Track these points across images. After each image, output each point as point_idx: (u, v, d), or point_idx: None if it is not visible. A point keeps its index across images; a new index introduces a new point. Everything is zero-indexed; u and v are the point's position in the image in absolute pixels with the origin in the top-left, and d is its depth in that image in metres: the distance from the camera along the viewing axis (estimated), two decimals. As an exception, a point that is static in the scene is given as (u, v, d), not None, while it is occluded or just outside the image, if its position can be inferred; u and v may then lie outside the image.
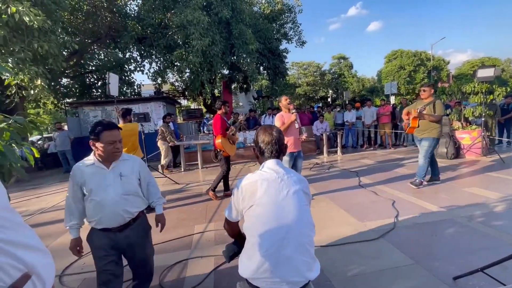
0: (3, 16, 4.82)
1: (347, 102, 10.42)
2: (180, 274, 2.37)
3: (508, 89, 6.24)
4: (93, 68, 11.13)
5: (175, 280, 2.30)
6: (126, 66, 10.35)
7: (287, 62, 13.70)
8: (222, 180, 4.41)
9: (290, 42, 14.83)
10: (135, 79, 10.74)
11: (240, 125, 4.85)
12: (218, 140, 4.16)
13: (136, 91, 10.87)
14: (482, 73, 5.63)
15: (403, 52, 29.58)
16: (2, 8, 4.80)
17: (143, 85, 11.07)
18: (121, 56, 10.51)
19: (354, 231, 2.91)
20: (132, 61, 10.53)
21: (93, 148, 1.61)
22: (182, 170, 7.11)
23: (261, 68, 13.17)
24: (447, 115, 6.46)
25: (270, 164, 1.36)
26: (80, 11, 9.62)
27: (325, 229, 3.01)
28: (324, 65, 31.72)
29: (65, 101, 11.58)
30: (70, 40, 6.60)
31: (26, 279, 0.68)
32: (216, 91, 14.41)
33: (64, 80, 11.07)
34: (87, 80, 11.65)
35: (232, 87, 13.17)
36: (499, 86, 6.04)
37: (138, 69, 10.61)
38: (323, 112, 10.34)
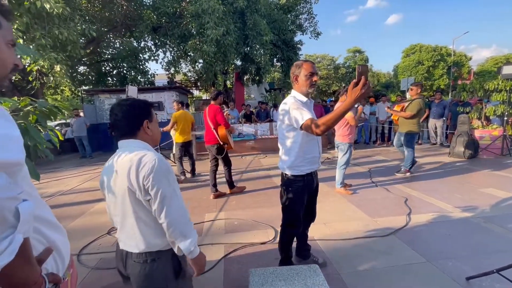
0: (26, 2, 4.94)
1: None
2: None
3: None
4: (109, 56, 11.29)
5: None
6: (140, 55, 10.45)
7: (301, 54, 13.47)
8: (213, 175, 4.15)
9: (304, 33, 14.54)
10: (149, 68, 10.86)
11: (228, 118, 4.63)
12: (223, 131, 3.89)
13: (150, 80, 10.99)
14: (508, 69, 5.36)
15: (422, 46, 28.43)
16: (24, -6, 4.93)
17: (157, 74, 11.18)
18: (136, 45, 10.60)
19: (365, 226, 2.90)
20: (146, 50, 10.62)
21: (145, 131, 1.10)
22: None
23: (275, 59, 13.01)
24: (467, 113, 6.21)
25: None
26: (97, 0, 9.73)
27: (335, 222, 3.01)
28: (338, 59, 31.01)
29: (81, 88, 11.87)
30: (88, 28, 6.70)
31: (49, 253, 0.71)
32: (228, 82, 14.40)
33: (81, 68, 11.32)
34: (103, 68, 11.86)
35: (244, 78, 13.11)
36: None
37: (153, 58, 10.69)
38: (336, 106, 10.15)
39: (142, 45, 10.62)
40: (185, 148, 5.28)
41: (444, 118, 7.53)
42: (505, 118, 5.54)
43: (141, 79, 10.78)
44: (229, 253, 2.48)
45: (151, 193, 0.98)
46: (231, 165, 4.22)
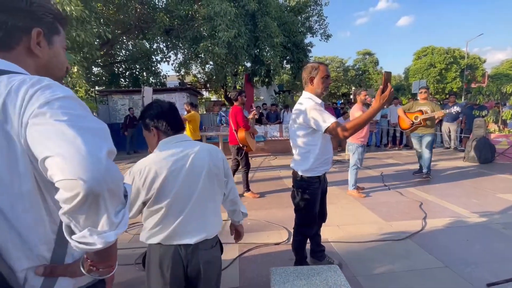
0: (47, 6, 5.13)
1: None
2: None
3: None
4: (122, 58, 11.54)
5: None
6: (153, 56, 10.64)
7: (311, 56, 13.44)
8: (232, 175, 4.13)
9: (314, 35, 14.50)
10: (161, 70, 11.06)
11: (255, 117, 4.53)
12: (242, 134, 3.79)
13: (161, 81, 11.18)
14: (527, 72, 5.21)
15: (435, 49, 27.90)
16: (46, -2, 5.11)
17: (168, 75, 11.36)
18: (149, 47, 10.81)
19: (380, 230, 2.87)
20: (158, 52, 10.81)
21: (154, 137, 1.16)
22: (204, 160, 7.29)
23: (284, 61, 13.02)
24: (482, 116, 6.08)
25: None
26: (112, 3, 9.97)
27: (349, 226, 2.99)
28: (348, 61, 30.78)
29: (95, 89, 12.17)
30: (104, 30, 6.88)
31: None
32: (238, 84, 14.48)
33: (95, 69, 11.60)
34: (116, 69, 12.13)
35: (254, 80, 13.16)
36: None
37: (164, 59, 10.88)
38: (347, 108, 10.08)
39: (154, 47, 10.83)
40: None
41: (458, 122, 7.38)
42: (524, 122, 5.39)
43: (153, 80, 10.98)
44: (244, 253, 2.50)
45: (228, 173, 1.24)
46: (249, 168, 4.18)
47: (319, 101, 1.84)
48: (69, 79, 6.01)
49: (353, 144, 4.03)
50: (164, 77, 11.14)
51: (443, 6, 76.42)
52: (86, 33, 6.22)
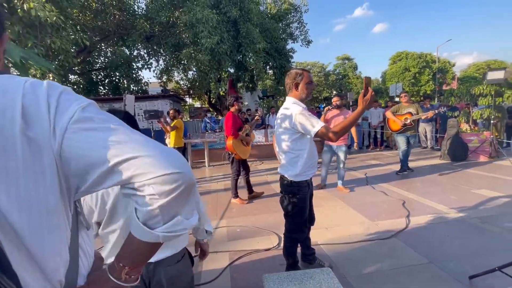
0: (19, 11, 4.89)
1: (351, 103, 10.41)
2: (197, 269, 2.40)
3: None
4: (101, 65, 11.21)
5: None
6: (133, 63, 10.41)
7: (293, 62, 13.71)
8: (239, 183, 4.12)
9: (296, 41, 14.84)
10: (143, 77, 10.82)
11: (257, 122, 4.52)
12: (229, 142, 3.78)
13: (143, 88, 10.94)
14: (492, 75, 5.61)
15: (408, 53, 29.40)
16: (18, 4, 4.87)
17: (150, 82, 11.14)
18: (129, 53, 10.58)
19: (367, 230, 2.94)
20: (139, 58, 10.60)
21: None
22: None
23: (267, 67, 13.19)
24: (455, 117, 6.45)
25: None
26: (89, 9, 9.69)
27: (337, 227, 3.04)
28: (328, 66, 31.69)
29: (72, 97, 11.66)
30: (81, 37, 6.66)
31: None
32: (221, 90, 14.45)
33: (72, 77, 11.17)
34: (94, 77, 11.74)
35: (238, 86, 13.20)
36: (509, 89, 6.01)
37: (146, 66, 10.68)
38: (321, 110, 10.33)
39: (135, 53, 10.61)
40: (182, 153, 5.37)
41: (433, 122, 7.78)
42: (492, 122, 5.77)
43: (134, 88, 10.72)
44: (235, 261, 2.46)
45: None
46: (238, 176, 4.14)
47: (304, 106, 1.88)
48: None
49: (339, 146, 4.27)
50: (145, 84, 10.90)
51: (414, 13, 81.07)
52: (61, 40, 5.99)
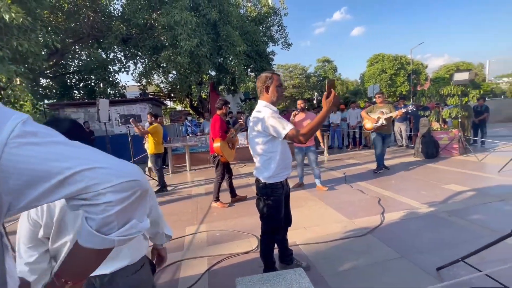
0: (-20, 13, 4.59)
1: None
2: (174, 276, 2.36)
3: (481, 92, 6.66)
4: (75, 68, 10.75)
5: (168, 282, 2.29)
6: (110, 66, 10.08)
7: (274, 65, 13.86)
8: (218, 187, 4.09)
9: (276, 44, 15.03)
10: (120, 80, 10.47)
11: (242, 127, 4.56)
12: (217, 144, 3.76)
13: (121, 92, 10.60)
14: (458, 76, 5.98)
15: (384, 56, 30.63)
16: (-21, 5, 4.58)
17: (128, 86, 10.81)
18: (105, 56, 10.22)
19: (344, 228, 3.01)
20: (116, 61, 10.27)
21: None
22: (170, 172, 7.02)
23: (249, 70, 13.24)
24: (426, 116, 6.79)
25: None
26: (61, 10, 9.28)
27: (316, 227, 3.09)
28: (309, 68, 32.32)
29: (44, 102, 11.10)
30: (52, 39, 6.35)
31: None
32: (203, 93, 14.31)
33: (43, 81, 10.62)
34: (68, 81, 11.23)
35: (219, 88, 13.14)
36: (473, 89, 6.42)
37: (123, 69, 10.36)
38: (316, 113, 10.53)
39: (111, 56, 10.26)
40: (161, 157, 5.25)
41: (407, 122, 8.15)
42: (459, 120, 6.13)
43: (111, 92, 10.35)
44: (213, 266, 2.44)
45: (149, 193, 1.11)
46: (223, 179, 4.12)
47: (275, 109, 1.91)
48: (10, 92, 5.41)
49: (308, 147, 4.48)
50: (123, 87, 10.57)
51: (390, 17, 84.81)
52: (30, 42, 5.68)
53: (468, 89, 6.43)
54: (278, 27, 15.05)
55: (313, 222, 3.24)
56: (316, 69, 32.58)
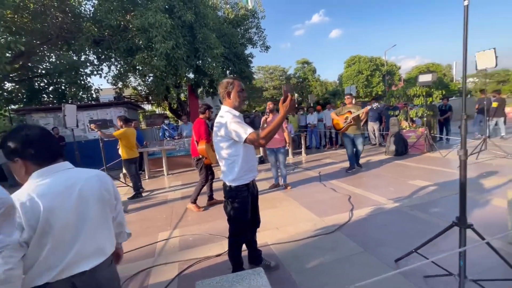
0: None
1: (311, 105, 10.94)
2: (143, 283, 2.33)
3: (444, 92, 7.12)
4: (43, 71, 10.23)
5: (137, 290, 2.26)
6: (81, 69, 9.68)
7: (252, 67, 13.96)
8: (201, 189, 4.13)
9: (255, 46, 15.16)
10: (92, 84, 10.08)
11: None
12: (202, 146, 3.87)
13: (94, 96, 10.21)
14: (423, 78, 6.36)
15: (361, 58, 31.78)
16: None
17: (101, 89, 10.43)
18: (76, 59, 9.81)
19: (314, 226, 3.11)
20: (88, 64, 9.89)
21: (21, 169, 1.07)
22: (147, 177, 6.86)
23: (227, 72, 13.23)
24: (396, 116, 7.15)
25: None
26: (26, 10, 8.80)
27: (288, 226, 3.17)
28: (289, 69, 32.81)
29: (9, 107, 10.45)
30: (14, 41, 6.02)
31: None
32: (182, 95, 14.12)
33: (8, 85, 10.00)
34: (36, 84, 10.65)
35: (198, 91, 13.03)
36: (437, 90, 6.86)
37: (96, 72, 9.99)
38: (304, 113, 10.70)
39: (82, 59, 9.86)
40: (136, 163, 5.12)
41: (379, 121, 8.53)
42: (424, 119, 6.52)
43: (83, 95, 9.94)
44: (183, 270, 2.43)
45: (117, 196, 1.26)
46: (206, 182, 4.16)
47: (237, 113, 1.96)
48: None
49: (278, 148, 4.66)
50: (96, 91, 10.19)
51: (365, 20, 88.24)
52: (-11, 44, 5.36)
53: (432, 90, 6.85)
54: (256, 29, 15.19)
55: (286, 222, 3.31)
56: (296, 70, 33.14)
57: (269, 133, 1.74)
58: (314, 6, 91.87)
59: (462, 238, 1.67)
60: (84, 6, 9.72)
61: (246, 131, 1.79)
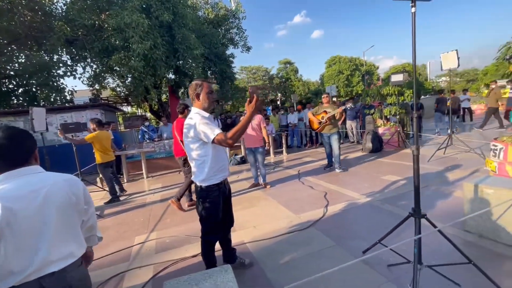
0: None
1: (295, 104, 11.12)
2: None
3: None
4: (11, 72, 9.69)
5: (110, 295, 2.23)
6: (53, 70, 9.27)
7: (234, 67, 13.97)
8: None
9: (236, 47, 15.17)
10: (66, 85, 9.67)
11: None
12: None
13: (68, 98, 9.80)
14: (395, 78, 6.66)
15: (341, 58, 32.61)
16: None
17: (75, 91, 10.02)
18: (48, 59, 9.38)
19: (290, 223, 3.20)
20: (61, 65, 9.48)
21: (36, 158, 1.20)
22: (125, 181, 6.70)
23: (209, 72, 13.16)
24: (371, 114, 7.44)
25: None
26: (-10, 8, 8.31)
27: (265, 224, 3.23)
28: (272, 70, 33.07)
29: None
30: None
31: None
32: (164, 96, 13.86)
33: (-28, 87, 9.40)
34: (4, 86, 10.07)
35: (180, 92, 12.86)
36: (408, 89, 7.21)
37: (69, 73, 9.60)
38: (285, 113, 10.82)
39: (55, 59, 9.44)
40: (111, 167, 5.00)
41: (357, 120, 8.83)
42: (397, 117, 6.83)
43: (56, 98, 9.52)
44: (158, 273, 2.43)
45: (89, 200, 1.26)
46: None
47: (207, 115, 1.99)
48: None
49: (256, 148, 4.75)
50: (70, 93, 9.78)
51: (344, 22, 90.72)
52: None
53: (404, 89, 7.20)
54: (237, 29, 15.20)
55: (263, 220, 3.38)
56: (278, 70, 33.45)
57: (236, 133, 1.78)
58: (296, 7, 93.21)
59: (417, 227, 1.80)
60: (55, 4, 9.31)
61: (214, 132, 1.83)
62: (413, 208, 1.90)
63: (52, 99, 9.24)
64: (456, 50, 5.07)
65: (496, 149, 3.36)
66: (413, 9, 1.61)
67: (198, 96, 1.98)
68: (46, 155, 3.88)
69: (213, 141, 1.84)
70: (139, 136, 8.50)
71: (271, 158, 7.97)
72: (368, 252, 2.36)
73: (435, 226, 1.87)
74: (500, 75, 19.12)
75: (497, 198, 2.28)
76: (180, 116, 4.13)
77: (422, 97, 17.39)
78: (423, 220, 1.91)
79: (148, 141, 8.09)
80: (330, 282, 2.05)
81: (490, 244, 2.32)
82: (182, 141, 3.92)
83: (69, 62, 9.72)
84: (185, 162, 4.14)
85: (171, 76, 11.94)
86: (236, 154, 8.03)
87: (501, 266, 2.05)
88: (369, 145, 6.87)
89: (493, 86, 8.53)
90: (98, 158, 4.68)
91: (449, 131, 5.91)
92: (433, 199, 3.47)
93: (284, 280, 2.15)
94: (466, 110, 11.39)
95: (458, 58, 5.07)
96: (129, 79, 10.59)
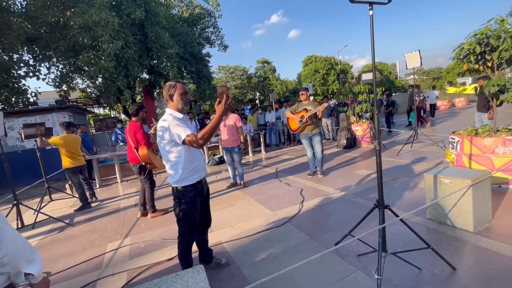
0: None
1: (273, 103, 11.21)
2: (86, 298, 2.21)
3: (383, 88, 7.88)
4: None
5: (80, 305, 2.13)
6: (13, 71, 8.60)
7: (211, 66, 13.82)
8: (148, 196, 3.90)
9: (212, 46, 15.02)
10: (28, 86, 9.02)
11: (154, 134, 4.33)
12: (144, 151, 3.64)
13: (30, 100, 9.14)
14: (365, 76, 6.95)
15: (317, 57, 33.43)
16: None
17: (39, 93, 9.38)
18: (6, 58, 8.68)
19: (267, 220, 3.24)
20: (22, 64, 8.82)
21: None
22: (98, 186, 6.41)
23: (184, 72, 12.91)
24: (345, 112, 7.73)
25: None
26: None
27: (242, 223, 3.25)
28: (250, 69, 33.14)
29: None
30: None
31: None
32: (138, 97, 13.39)
33: None
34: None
35: (155, 92, 12.50)
36: (378, 87, 7.55)
37: (32, 74, 8.96)
38: (246, 114, 10.87)
39: (15, 58, 8.76)
40: (81, 172, 4.76)
41: (332, 117, 9.13)
42: (368, 114, 7.16)
43: (17, 100, 8.84)
44: (132, 279, 2.36)
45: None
46: (155, 186, 4.00)
47: (180, 116, 1.97)
48: None
49: (232, 147, 4.76)
50: (33, 94, 9.13)
51: (320, 22, 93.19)
52: None
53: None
54: (213, 28, 15.05)
55: (240, 219, 3.39)
56: (256, 70, 33.59)
57: (206, 133, 1.78)
58: (272, 6, 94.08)
59: (381, 218, 1.91)
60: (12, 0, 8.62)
61: (185, 132, 1.81)
62: (377, 200, 2.01)
63: (13, 102, 8.57)
64: (419, 50, 5.41)
65: (454, 142, 3.64)
66: (370, 12, 1.70)
67: (171, 97, 1.96)
68: (6, 162, 3.60)
69: (183, 142, 1.83)
70: (113, 139, 8.15)
71: (250, 157, 8.00)
72: (340, 243, 2.46)
73: (397, 216, 1.99)
74: (456, 74, 20.63)
75: (453, 187, 2.47)
76: (133, 119, 3.74)
77: (394, 94, 18.28)
78: (387, 211, 2.03)
79: (121, 144, 7.77)
80: (304, 275, 2.12)
81: (449, 229, 2.52)
82: (136, 148, 3.71)
83: (31, 62, 9.06)
84: (141, 169, 3.81)
85: (145, 76, 11.58)
86: (214, 154, 7.97)
87: (457, 249, 2.23)
88: (343, 141, 7.13)
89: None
90: (66, 163, 4.44)
91: (414, 126, 6.29)
92: (401, 191, 3.69)
93: (261, 276, 2.18)
94: (431, 106, 12.19)
95: (421, 57, 5.41)
96: (100, 79, 10.12)
